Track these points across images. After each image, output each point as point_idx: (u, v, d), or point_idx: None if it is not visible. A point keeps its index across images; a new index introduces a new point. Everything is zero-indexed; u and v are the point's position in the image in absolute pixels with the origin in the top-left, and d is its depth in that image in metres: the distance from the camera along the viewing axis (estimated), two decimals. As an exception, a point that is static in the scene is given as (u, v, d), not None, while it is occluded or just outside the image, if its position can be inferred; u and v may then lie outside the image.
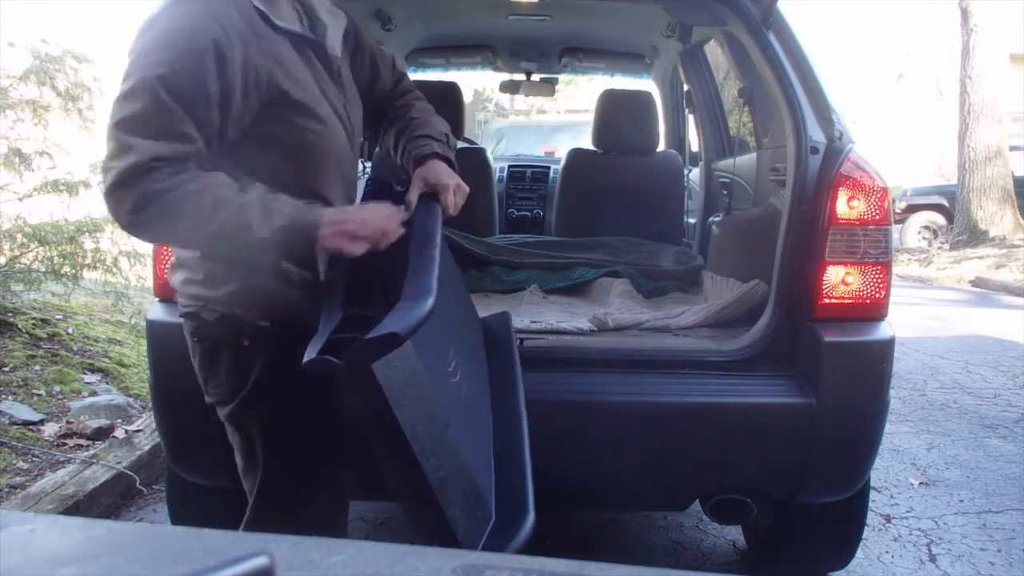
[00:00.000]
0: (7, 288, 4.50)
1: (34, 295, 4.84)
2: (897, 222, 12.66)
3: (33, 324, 4.39)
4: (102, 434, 3.37)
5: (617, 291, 2.92)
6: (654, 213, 3.72)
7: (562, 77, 5.48)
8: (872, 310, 2.13)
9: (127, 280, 4.77)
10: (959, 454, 3.78)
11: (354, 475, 1.72)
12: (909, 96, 22.52)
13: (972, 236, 12.33)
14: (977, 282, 10.19)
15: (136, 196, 1.29)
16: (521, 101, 14.39)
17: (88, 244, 4.52)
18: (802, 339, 2.10)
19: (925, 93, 22.15)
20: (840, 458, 2.13)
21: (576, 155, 3.89)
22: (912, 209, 13.71)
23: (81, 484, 2.90)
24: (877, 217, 2.10)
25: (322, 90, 1.49)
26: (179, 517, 2.36)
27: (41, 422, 3.43)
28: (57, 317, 4.79)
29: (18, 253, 4.49)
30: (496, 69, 4.87)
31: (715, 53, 3.80)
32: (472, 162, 3.53)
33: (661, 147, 4.08)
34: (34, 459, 3.13)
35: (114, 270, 4.56)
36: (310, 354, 1.21)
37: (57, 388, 3.79)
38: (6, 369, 3.85)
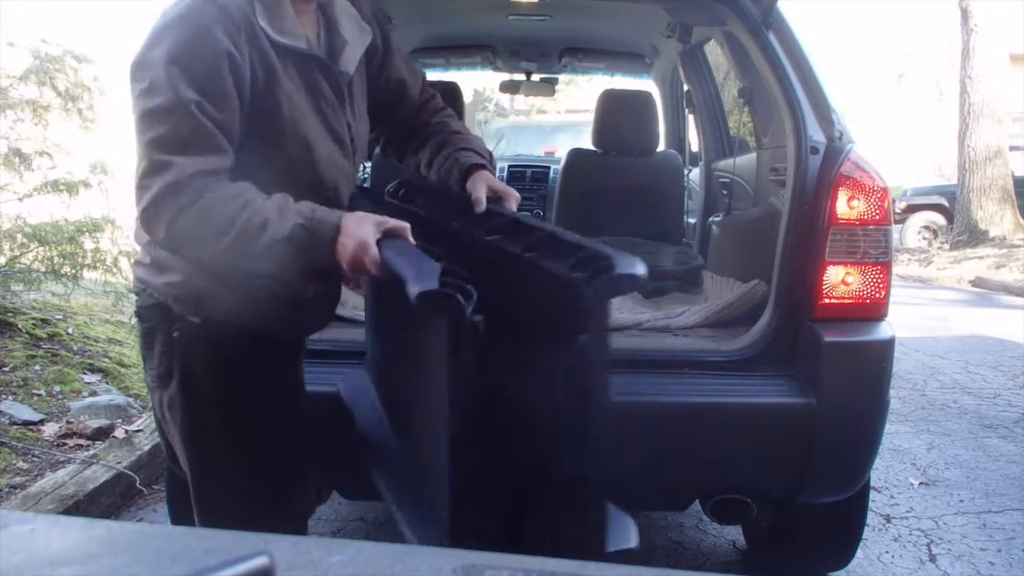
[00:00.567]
0: (7, 288, 4.50)
1: (34, 295, 4.84)
2: (897, 222, 12.66)
3: (33, 324, 4.39)
4: (102, 434, 3.37)
5: (617, 291, 2.92)
6: (654, 213, 3.72)
7: (562, 77, 5.48)
8: (872, 310, 2.13)
9: (127, 280, 4.76)
10: (959, 454, 3.78)
11: (355, 475, 1.72)
12: (909, 96, 22.52)
13: (972, 236, 12.33)
14: (977, 282, 10.19)
15: (176, 208, 1.31)
16: (521, 101, 14.41)
17: (88, 244, 4.52)
18: (802, 339, 2.10)
19: (925, 93, 22.16)
20: (840, 458, 2.13)
21: (576, 155, 3.88)
22: (912, 209, 13.72)
23: (81, 484, 2.90)
24: (877, 217, 2.10)
25: (319, 110, 1.47)
26: (179, 517, 2.36)
27: (41, 422, 3.43)
28: (57, 317, 4.79)
29: (18, 253, 4.49)
30: (496, 69, 4.87)
31: (715, 53, 3.81)
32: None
33: (661, 147, 4.08)
34: (34, 459, 3.13)
35: (114, 270, 4.56)
36: (428, 285, 1.13)
37: (57, 388, 3.79)
38: (6, 369, 3.85)
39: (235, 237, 1.31)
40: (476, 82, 14.85)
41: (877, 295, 2.11)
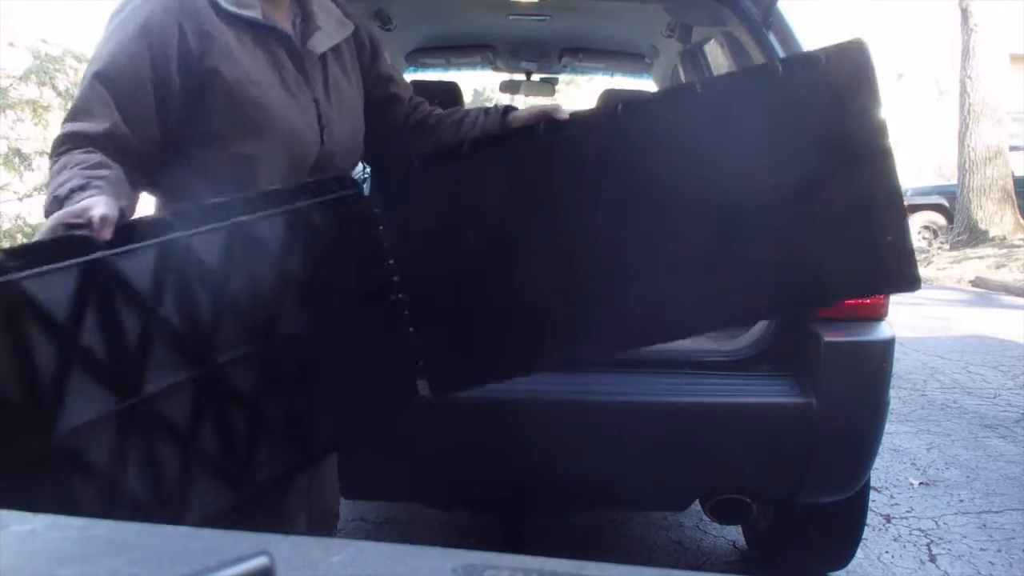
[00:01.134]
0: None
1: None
2: (897, 222, 12.63)
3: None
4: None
5: (617, 291, 2.92)
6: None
7: (562, 77, 5.48)
8: (872, 310, 2.12)
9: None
10: (959, 454, 3.78)
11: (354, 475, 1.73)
12: (909, 96, 22.53)
13: (972, 236, 12.33)
14: (977, 282, 10.19)
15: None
16: (521, 101, 14.42)
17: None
18: (802, 339, 2.10)
19: (925, 93, 22.16)
20: (840, 458, 2.13)
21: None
22: (912, 209, 13.68)
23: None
24: (877, 217, 2.09)
25: (281, 79, 1.48)
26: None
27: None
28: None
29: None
30: (496, 69, 4.87)
31: (715, 53, 3.80)
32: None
33: (661, 147, 4.08)
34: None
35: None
36: None
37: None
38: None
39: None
40: (476, 82, 14.86)
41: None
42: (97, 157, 1.30)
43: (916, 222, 13.64)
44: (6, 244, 4.49)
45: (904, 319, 6.39)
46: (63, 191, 1.22)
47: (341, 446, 1.60)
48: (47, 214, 1.21)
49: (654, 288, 1.47)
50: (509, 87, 5.05)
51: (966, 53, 12.45)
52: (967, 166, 12.50)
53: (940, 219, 13.57)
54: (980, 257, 11.26)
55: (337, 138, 1.56)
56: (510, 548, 2.33)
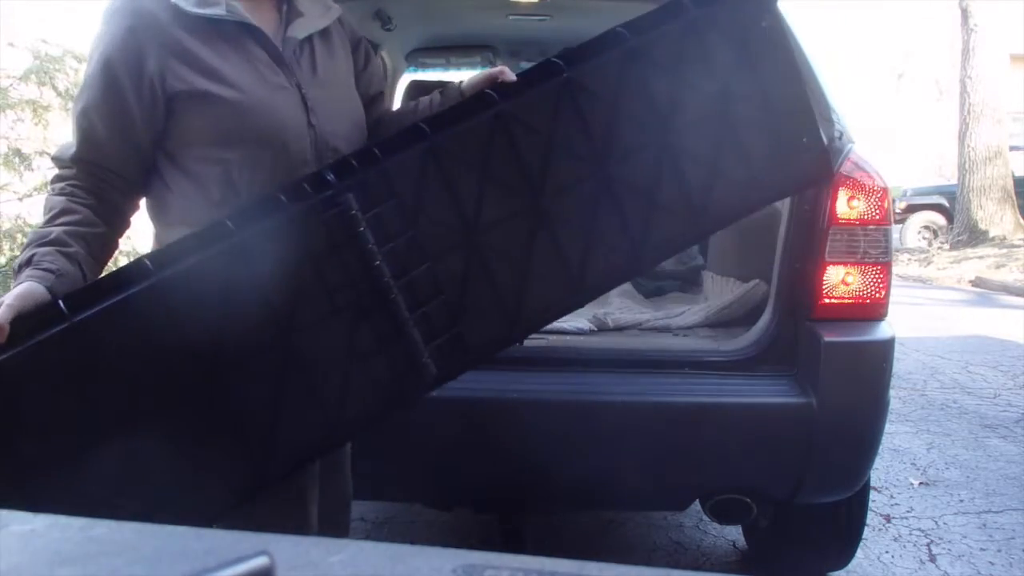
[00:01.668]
0: (7, 288, 4.50)
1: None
2: (897, 222, 12.67)
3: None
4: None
5: (617, 291, 2.93)
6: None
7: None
8: (872, 310, 2.12)
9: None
10: (959, 454, 3.78)
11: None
12: (909, 96, 22.53)
13: (972, 236, 12.34)
14: (977, 282, 10.19)
15: None
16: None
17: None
18: (802, 339, 2.10)
19: (925, 93, 22.16)
20: (840, 458, 2.13)
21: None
22: (912, 209, 13.73)
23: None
24: (877, 217, 2.10)
25: (255, 73, 1.47)
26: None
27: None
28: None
29: (18, 253, 4.48)
30: (496, 69, 4.86)
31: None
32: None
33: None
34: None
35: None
36: None
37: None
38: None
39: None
40: (476, 82, 14.82)
41: (877, 295, 2.11)
42: (60, 203, 1.44)
43: (916, 222, 13.66)
44: (6, 244, 4.49)
45: (904, 319, 6.39)
46: (22, 257, 1.42)
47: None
48: (16, 268, 1.42)
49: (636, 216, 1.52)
50: (509, 87, 5.04)
51: (966, 53, 12.46)
52: (967, 166, 12.51)
53: (940, 219, 13.58)
54: (980, 257, 11.26)
55: (329, 118, 1.54)
56: (510, 548, 2.34)
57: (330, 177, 1.38)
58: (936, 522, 3.03)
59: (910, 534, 2.93)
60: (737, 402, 2.09)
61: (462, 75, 5.76)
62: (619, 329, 2.48)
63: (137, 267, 1.32)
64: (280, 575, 0.47)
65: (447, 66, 4.73)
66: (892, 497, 3.26)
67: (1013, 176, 12.50)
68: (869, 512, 2.48)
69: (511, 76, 1.56)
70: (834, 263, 2.09)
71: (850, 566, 2.54)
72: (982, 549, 2.81)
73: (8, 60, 4.67)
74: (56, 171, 1.51)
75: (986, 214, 12.39)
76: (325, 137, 1.52)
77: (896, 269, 6.45)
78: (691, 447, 2.10)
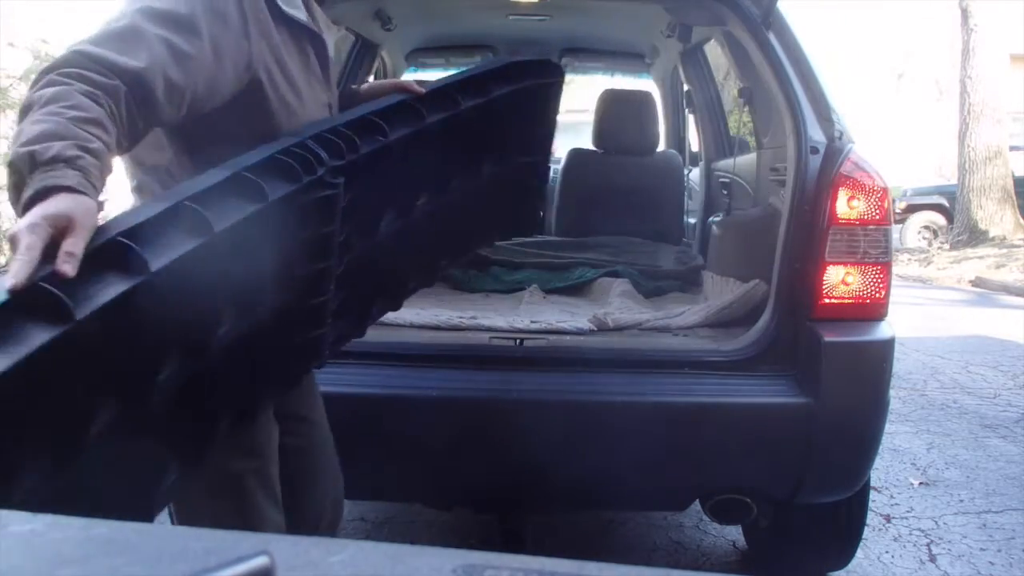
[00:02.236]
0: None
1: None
2: (897, 222, 12.66)
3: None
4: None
5: (617, 291, 2.93)
6: (654, 213, 3.73)
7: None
8: (872, 310, 2.13)
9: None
10: (959, 454, 3.78)
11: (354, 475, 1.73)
12: (909, 96, 22.52)
13: (972, 236, 12.34)
14: (977, 282, 10.19)
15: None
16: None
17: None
18: (802, 339, 2.10)
19: (925, 93, 22.15)
20: (840, 458, 2.13)
21: (576, 155, 3.89)
22: (912, 209, 13.72)
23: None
24: (877, 217, 2.10)
25: (309, 84, 1.47)
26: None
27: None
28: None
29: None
30: (496, 69, 4.86)
31: (715, 53, 3.81)
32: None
33: (661, 147, 4.09)
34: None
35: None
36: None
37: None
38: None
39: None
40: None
41: (877, 295, 2.11)
42: (96, 112, 1.06)
43: (916, 222, 13.65)
44: (6, 244, 4.49)
45: (904, 319, 6.39)
46: (46, 153, 0.98)
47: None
48: (13, 163, 0.99)
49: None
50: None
51: (966, 53, 12.46)
52: (967, 166, 12.51)
53: (940, 219, 13.58)
54: (980, 257, 11.26)
55: None
56: (510, 548, 2.34)
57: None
58: (936, 522, 3.03)
59: (910, 534, 2.93)
60: (737, 402, 2.09)
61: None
62: (619, 329, 2.48)
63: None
64: (280, 575, 0.47)
65: (447, 66, 4.73)
66: (892, 497, 3.26)
67: (1013, 176, 12.50)
68: (869, 512, 2.48)
69: (417, 89, 1.61)
70: (834, 263, 2.09)
71: (850, 566, 2.54)
72: (982, 549, 2.81)
73: (8, 60, 4.67)
74: (75, 69, 1.09)
75: (986, 214, 12.39)
76: None
77: (896, 269, 6.45)
78: (691, 447, 2.10)
